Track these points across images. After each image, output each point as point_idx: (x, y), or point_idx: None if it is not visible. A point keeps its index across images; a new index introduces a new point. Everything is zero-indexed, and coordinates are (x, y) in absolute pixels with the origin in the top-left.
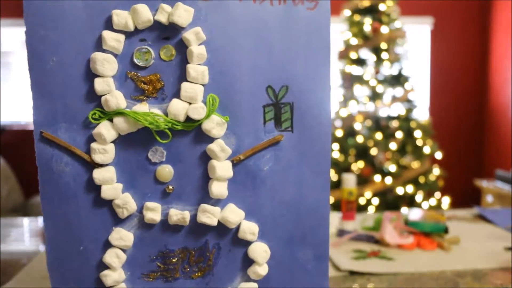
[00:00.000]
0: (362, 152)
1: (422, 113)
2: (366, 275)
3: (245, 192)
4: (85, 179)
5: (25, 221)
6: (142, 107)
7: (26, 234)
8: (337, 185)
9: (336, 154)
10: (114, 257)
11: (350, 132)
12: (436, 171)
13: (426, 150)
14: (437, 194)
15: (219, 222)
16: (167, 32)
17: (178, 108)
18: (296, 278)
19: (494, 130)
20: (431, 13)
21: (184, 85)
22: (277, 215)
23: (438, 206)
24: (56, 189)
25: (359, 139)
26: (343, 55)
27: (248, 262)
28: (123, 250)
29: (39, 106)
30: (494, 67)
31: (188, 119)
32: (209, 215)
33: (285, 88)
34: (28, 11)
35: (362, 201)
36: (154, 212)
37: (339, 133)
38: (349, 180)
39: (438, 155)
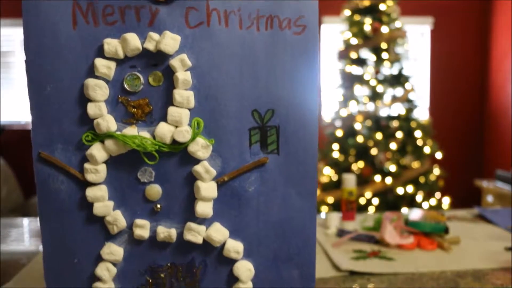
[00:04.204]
0: (362, 152)
1: (422, 113)
2: (366, 275)
3: (230, 212)
4: (79, 197)
5: (25, 221)
6: (131, 130)
7: (25, 234)
8: (337, 185)
9: (336, 154)
10: (105, 270)
11: (350, 132)
12: (436, 171)
13: (426, 150)
14: (437, 194)
15: (204, 240)
16: (155, 59)
17: (164, 131)
18: None
19: (494, 130)
20: (431, 13)
21: (171, 109)
22: (262, 235)
23: (438, 206)
24: (53, 206)
25: (359, 139)
26: (343, 55)
27: (233, 279)
28: (114, 264)
29: (38, 128)
30: (494, 67)
31: (175, 141)
32: (194, 233)
33: (271, 111)
34: (28, 44)
35: (362, 201)
36: (142, 229)
37: (339, 133)
38: (349, 180)
39: (438, 155)
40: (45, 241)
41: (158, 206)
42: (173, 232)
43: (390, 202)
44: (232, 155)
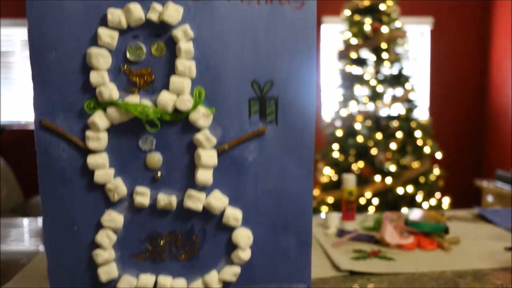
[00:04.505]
0: (362, 152)
1: (422, 113)
2: (366, 275)
3: (229, 180)
4: (80, 165)
5: (25, 221)
6: (133, 99)
7: (25, 234)
8: (337, 185)
9: (336, 154)
10: (105, 237)
11: (350, 132)
12: (436, 171)
13: (426, 150)
14: (437, 194)
15: (204, 207)
16: (158, 30)
17: (166, 99)
18: (279, 264)
19: (494, 130)
20: (431, 13)
21: (173, 78)
22: (260, 203)
23: (438, 206)
24: (54, 173)
25: (359, 139)
26: (343, 55)
27: (232, 247)
28: (114, 232)
29: (40, 96)
30: (494, 67)
31: (176, 110)
32: (195, 200)
33: (270, 83)
34: (31, 11)
35: (362, 201)
36: (143, 196)
37: (339, 133)
38: (349, 180)
39: (438, 155)
40: (45, 209)
41: (159, 174)
42: (174, 200)
43: (390, 202)
44: (232, 124)
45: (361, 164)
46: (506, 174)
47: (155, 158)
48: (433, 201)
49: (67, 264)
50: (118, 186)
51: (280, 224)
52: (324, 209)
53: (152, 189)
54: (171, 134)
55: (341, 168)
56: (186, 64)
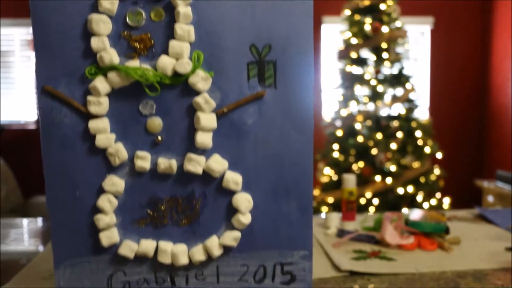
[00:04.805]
0: (363, 152)
1: (422, 113)
2: (367, 276)
3: (229, 144)
4: (82, 129)
5: (25, 221)
6: (134, 63)
7: (25, 235)
8: (337, 185)
9: (336, 154)
10: (106, 202)
11: (351, 132)
12: (437, 171)
13: (427, 150)
14: (438, 194)
15: (204, 171)
16: None
17: (166, 63)
18: (280, 228)
19: (494, 130)
20: (431, 13)
21: (172, 43)
22: (260, 167)
23: (438, 206)
24: (56, 138)
25: (360, 139)
26: (343, 55)
27: (232, 211)
28: (115, 197)
29: (42, 63)
30: (494, 67)
31: (176, 74)
32: (194, 163)
33: (268, 46)
34: None
35: (362, 201)
36: (144, 160)
37: (339, 133)
38: (350, 180)
39: (439, 155)
40: (48, 174)
41: (159, 138)
42: (174, 163)
43: (391, 202)
44: (231, 88)
45: (361, 164)
46: (506, 174)
47: (156, 123)
48: (433, 201)
49: (69, 230)
50: (119, 151)
51: (281, 189)
52: (324, 209)
53: (152, 153)
54: (171, 98)
55: (341, 168)
56: (185, 28)
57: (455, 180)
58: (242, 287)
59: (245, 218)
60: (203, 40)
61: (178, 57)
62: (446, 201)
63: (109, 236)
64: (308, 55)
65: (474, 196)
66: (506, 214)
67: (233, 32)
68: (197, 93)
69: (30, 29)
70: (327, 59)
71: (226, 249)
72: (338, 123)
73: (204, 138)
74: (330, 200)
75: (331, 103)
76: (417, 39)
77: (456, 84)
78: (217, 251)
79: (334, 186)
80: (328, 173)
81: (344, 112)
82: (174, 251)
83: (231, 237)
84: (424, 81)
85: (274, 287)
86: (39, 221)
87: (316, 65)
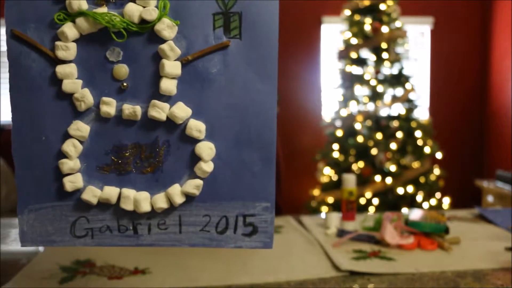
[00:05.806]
0: (363, 152)
1: (422, 113)
2: (367, 275)
3: (193, 92)
4: (49, 74)
5: None
6: (102, 10)
7: None
8: (337, 185)
9: (336, 154)
10: (71, 146)
11: (351, 132)
12: (437, 171)
13: (427, 150)
14: (438, 194)
15: (168, 118)
16: None
17: (132, 9)
18: (242, 179)
19: (494, 130)
20: (431, 13)
21: None
22: (223, 117)
23: (438, 206)
24: (24, 82)
25: (360, 139)
26: (343, 55)
27: (195, 160)
28: (80, 142)
29: (11, 6)
30: (494, 67)
31: (143, 22)
32: (158, 110)
33: None
34: None
35: (362, 201)
36: (109, 106)
37: (339, 133)
38: (350, 180)
39: (439, 155)
40: (15, 118)
41: (125, 84)
42: (138, 109)
43: (390, 202)
44: (197, 38)
45: (361, 164)
46: (506, 174)
47: (122, 69)
48: (433, 201)
49: (34, 174)
50: (85, 96)
51: (244, 139)
52: (324, 209)
53: (118, 100)
54: (137, 45)
55: (341, 168)
56: None
57: (455, 180)
58: (204, 237)
59: (208, 166)
60: None
61: (145, 5)
62: (446, 201)
63: (72, 181)
64: (273, 6)
65: (474, 196)
66: (506, 214)
67: None
68: (163, 41)
69: None
70: (327, 59)
71: (189, 198)
72: (338, 123)
73: (168, 85)
74: (330, 200)
75: (331, 103)
76: (417, 39)
77: (456, 84)
78: (179, 199)
79: (334, 186)
80: (328, 173)
81: (344, 112)
82: (137, 198)
83: (193, 185)
84: (424, 81)
85: (236, 238)
86: None
87: (316, 65)
